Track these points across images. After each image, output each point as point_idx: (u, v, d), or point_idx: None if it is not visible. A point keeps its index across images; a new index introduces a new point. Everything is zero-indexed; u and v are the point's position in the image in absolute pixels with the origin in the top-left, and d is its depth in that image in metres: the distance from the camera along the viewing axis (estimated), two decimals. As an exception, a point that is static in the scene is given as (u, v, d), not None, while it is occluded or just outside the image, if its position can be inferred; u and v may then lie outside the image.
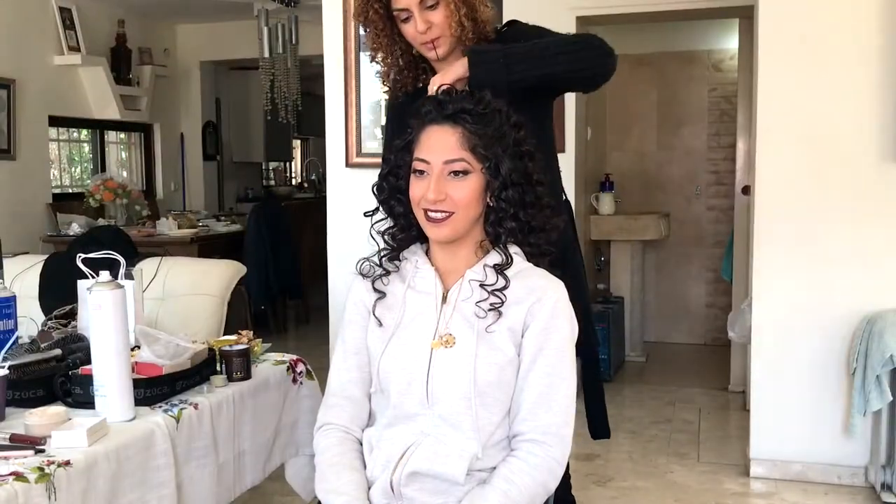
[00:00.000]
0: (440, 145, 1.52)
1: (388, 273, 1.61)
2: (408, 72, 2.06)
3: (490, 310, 1.51)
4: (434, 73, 2.00)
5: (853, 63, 3.30)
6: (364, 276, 1.63)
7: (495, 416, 1.50)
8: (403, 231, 1.61)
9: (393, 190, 1.61)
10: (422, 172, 1.53)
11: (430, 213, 1.52)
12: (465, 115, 1.51)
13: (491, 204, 1.54)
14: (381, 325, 1.58)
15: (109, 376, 1.64)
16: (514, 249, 1.57)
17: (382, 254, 1.62)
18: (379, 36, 2.00)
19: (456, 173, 1.51)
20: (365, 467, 1.55)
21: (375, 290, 1.60)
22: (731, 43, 5.38)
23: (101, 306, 1.64)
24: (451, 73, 1.83)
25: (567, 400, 1.51)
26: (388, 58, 2.05)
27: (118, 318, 1.65)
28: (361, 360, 1.61)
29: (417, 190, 1.54)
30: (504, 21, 2.11)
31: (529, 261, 1.58)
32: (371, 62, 2.10)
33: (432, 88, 1.72)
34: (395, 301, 1.59)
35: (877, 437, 3.26)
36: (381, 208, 1.64)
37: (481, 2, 1.97)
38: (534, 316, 1.51)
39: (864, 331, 3.19)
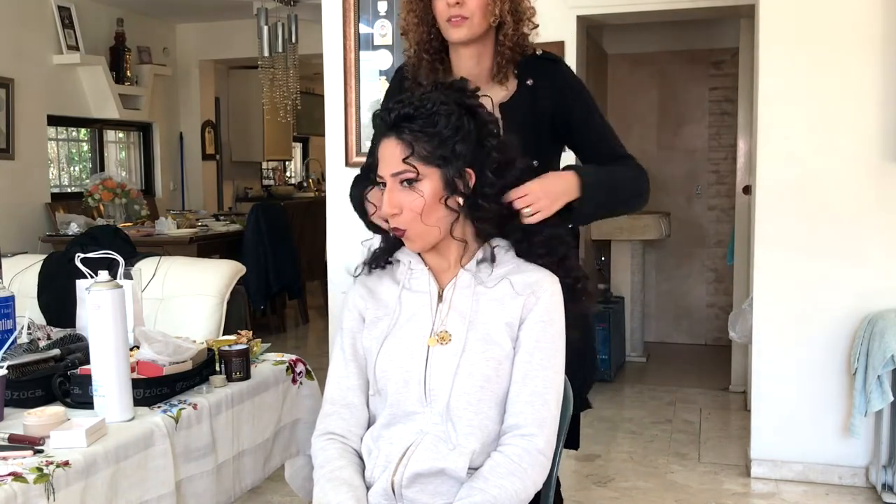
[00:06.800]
0: (387, 158, 1.51)
1: (382, 266, 1.62)
2: (427, 58, 1.89)
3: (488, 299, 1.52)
4: (449, 68, 1.88)
5: (854, 62, 3.29)
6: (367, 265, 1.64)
7: (493, 412, 1.49)
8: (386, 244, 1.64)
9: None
10: (384, 185, 1.53)
11: (393, 229, 1.53)
12: (407, 123, 1.49)
13: (460, 201, 1.51)
14: (375, 326, 1.57)
15: (108, 376, 1.63)
16: (504, 244, 1.58)
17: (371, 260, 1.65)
18: (412, 12, 1.88)
19: (408, 182, 1.49)
20: (364, 471, 1.54)
21: (368, 288, 1.61)
22: (731, 42, 5.38)
23: (99, 306, 1.63)
24: (554, 198, 1.67)
25: (559, 393, 1.52)
26: (414, 36, 1.90)
27: (117, 317, 1.64)
28: (361, 365, 1.60)
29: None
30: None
31: (520, 255, 1.58)
32: (401, 35, 1.97)
33: (525, 208, 1.62)
34: (390, 302, 1.58)
35: (878, 438, 3.25)
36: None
37: (529, 10, 1.86)
38: (529, 309, 1.51)
39: (865, 331, 3.18)
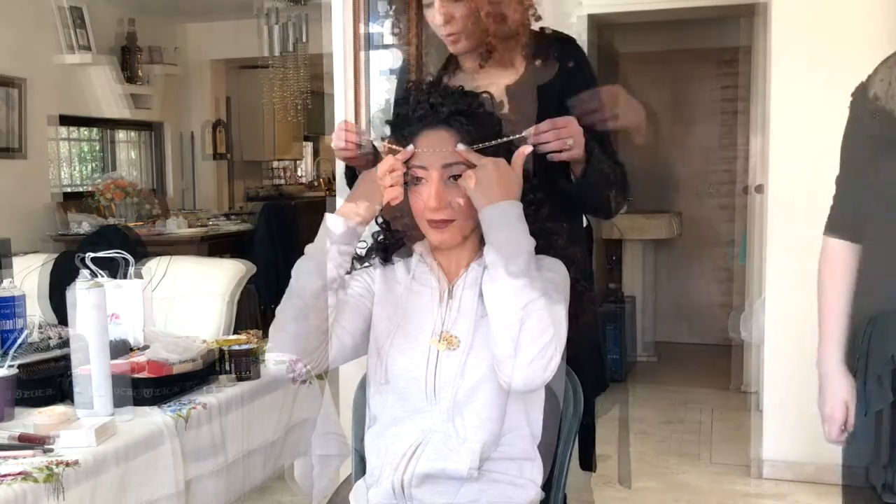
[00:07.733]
0: (435, 149, 1.47)
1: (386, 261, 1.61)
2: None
3: None
4: (455, 60, 1.86)
5: (865, 63, 3.26)
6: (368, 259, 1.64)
7: (498, 411, 1.49)
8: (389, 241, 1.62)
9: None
10: (419, 180, 1.49)
11: (431, 220, 1.49)
12: (460, 117, 1.47)
13: None
14: (382, 320, 1.55)
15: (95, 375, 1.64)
16: None
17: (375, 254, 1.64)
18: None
19: (457, 177, 1.47)
20: (364, 471, 1.53)
21: (380, 272, 1.60)
22: (742, 41, 5.35)
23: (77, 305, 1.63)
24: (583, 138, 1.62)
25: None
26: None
27: (99, 316, 1.64)
28: (356, 314, 1.55)
29: (418, 200, 1.49)
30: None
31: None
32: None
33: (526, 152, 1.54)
34: (399, 292, 1.57)
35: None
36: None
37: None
38: None
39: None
